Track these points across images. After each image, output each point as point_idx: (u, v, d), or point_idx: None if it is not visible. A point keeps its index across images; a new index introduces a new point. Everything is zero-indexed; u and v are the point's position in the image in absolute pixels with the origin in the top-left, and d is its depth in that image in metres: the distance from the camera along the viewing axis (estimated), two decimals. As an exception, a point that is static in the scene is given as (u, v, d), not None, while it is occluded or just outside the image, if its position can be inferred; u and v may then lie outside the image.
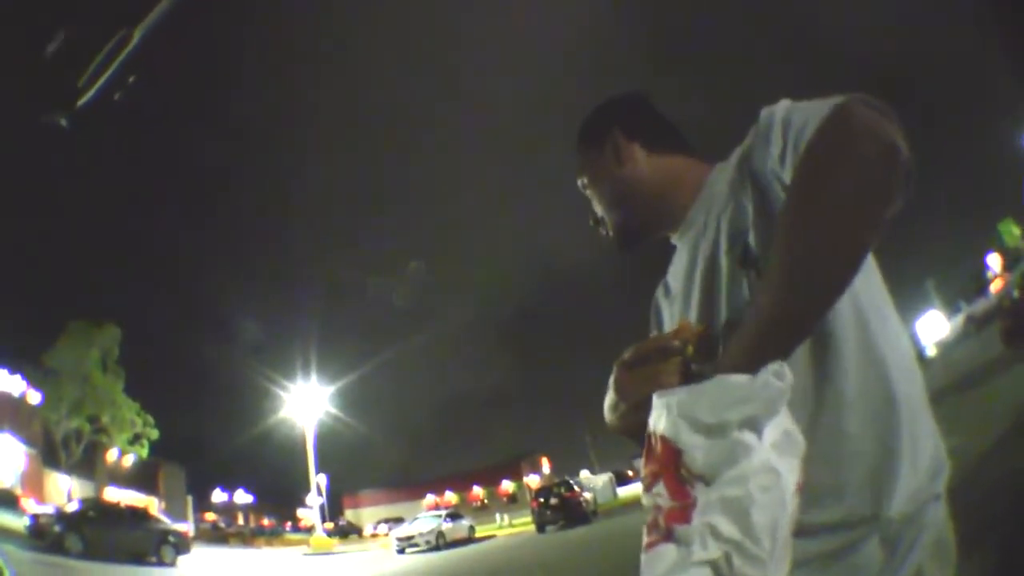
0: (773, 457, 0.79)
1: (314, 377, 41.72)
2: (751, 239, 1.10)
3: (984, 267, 29.73)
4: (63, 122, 1.55)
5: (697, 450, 0.79)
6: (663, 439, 0.81)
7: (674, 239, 1.39)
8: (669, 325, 1.36)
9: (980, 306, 25.12)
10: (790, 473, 0.80)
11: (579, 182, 1.49)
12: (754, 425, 0.79)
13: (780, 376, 0.82)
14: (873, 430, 1.01)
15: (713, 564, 0.75)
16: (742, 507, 0.76)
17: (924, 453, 1.02)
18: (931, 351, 25.59)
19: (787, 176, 1.05)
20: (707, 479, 0.78)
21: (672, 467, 0.80)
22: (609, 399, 1.08)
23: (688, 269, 1.27)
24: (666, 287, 1.43)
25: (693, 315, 1.21)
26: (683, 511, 0.78)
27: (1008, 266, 27.97)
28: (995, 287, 26.16)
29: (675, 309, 1.32)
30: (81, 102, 1.51)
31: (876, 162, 0.90)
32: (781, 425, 0.82)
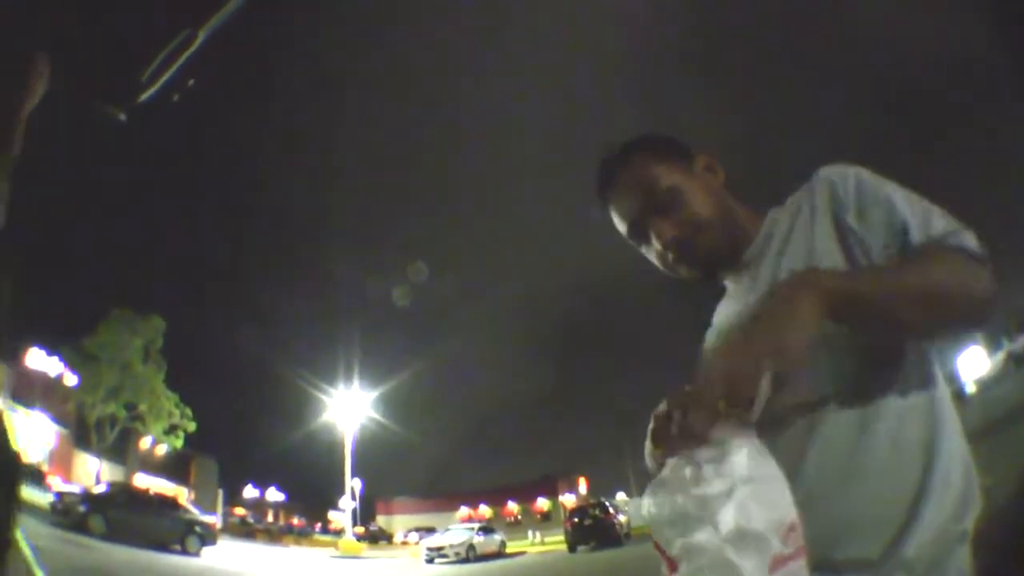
0: (730, 551, 0.82)
1: (356, 383, 42.16)
2: None
3: None
4: (122, 116, 1.56)
5: (667, 544, 0.88)
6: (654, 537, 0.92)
7: (726, 280, 1.42)
8: None
9: (1021, 343, 24.74)
10: (750, 559, 0.82)
11: (647, 191, 1.35)
12: (711, 519, 0.84)
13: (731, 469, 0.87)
14: (907, 473, 1.06)
15: None
16: None
17: (953, 492, 1.05)
18: (970, 388, 24.98)
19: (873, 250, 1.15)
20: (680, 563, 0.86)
21: (661, 553, 0.90)
22: (647, 447, 1.10)
23: (743, 312, 1.28)
24: (715, 331, 1.43)
25: None
26: None
27: (1054, 303, 27.08)
28: None
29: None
30: (141, 98, 1.54)
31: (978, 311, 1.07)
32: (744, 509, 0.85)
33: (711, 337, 1.43)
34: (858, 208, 1.17)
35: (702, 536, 0.84)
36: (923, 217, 1.12)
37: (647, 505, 0.91)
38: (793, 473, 0.98)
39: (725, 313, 1.40)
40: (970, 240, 1.08)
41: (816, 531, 0.96)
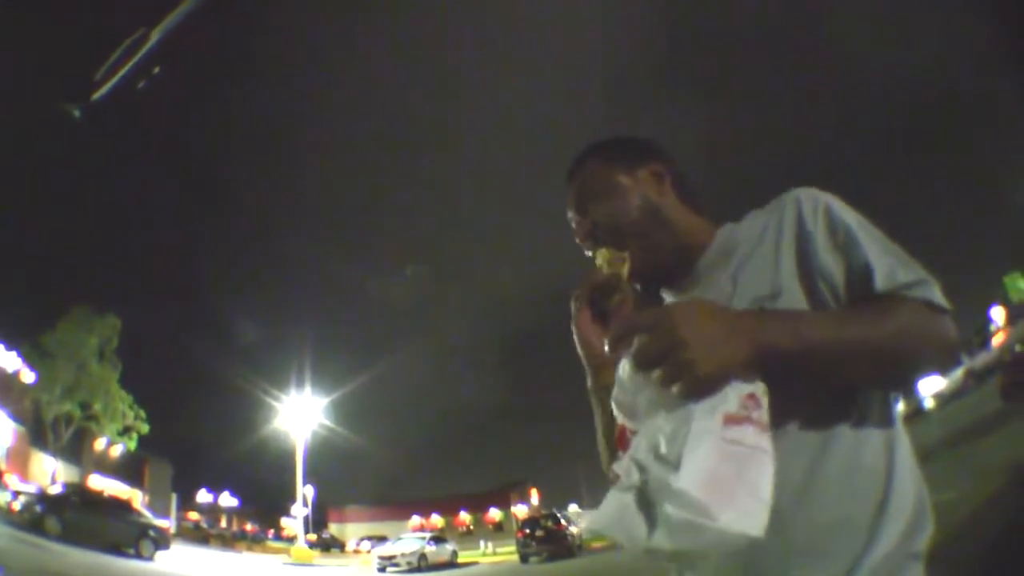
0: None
1: (308, 388, 41.63)
2: (772, 306, 1.14)
3: (988, 320, 29.21)
4: (76, 113, 1.59)
5: (628, 415, 1.03)
6: (619, 422, 1.07)
7: (670, 294, 1.40)
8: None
9: (981, 359, 24.67)
10: (704, 405, 0.90)
11: (580, 195, 1.41)
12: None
13: None
14: (862, 500, 1.06)
15: (636, 489, 0.91)
16: (653, 433, 0.93)
17: (906, 515, 1.06)
18: (929, 403, 25.11)
19: (837, 285, 1.14)
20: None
21: (622, 437, 1.06)
22: (589, 379, 1.31)
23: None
24: None
25: None
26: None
27: (1012, 320, 27.77)
28: (997, 340, 25.80)
29: None
30: (95, 96, 1.57)
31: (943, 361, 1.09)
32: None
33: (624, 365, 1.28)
34: (825, 243, 1.15)
35: (661, 401, 0.94)
36: (889, 264, 1.10)
37: (623, 367, 1.00)
38: None
39: None
40: (934, 291, 1.08)
41: (769, 556, 1.02)
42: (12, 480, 24.77)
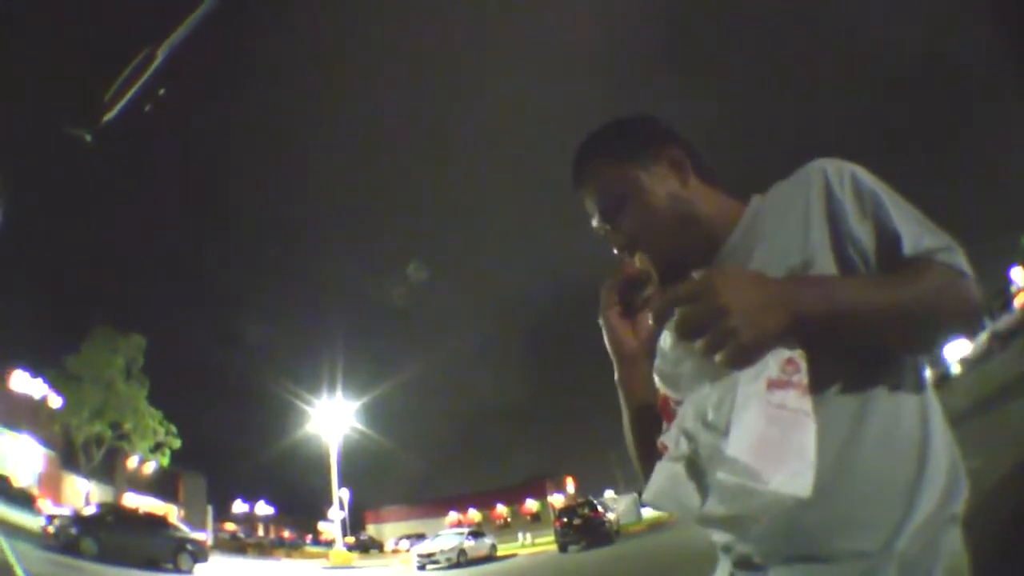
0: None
1: (339, 393, 41.88)
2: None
3: (1008, 281, 28.22)
4: (87, 137, 1.60)
5: (671, 385, 1.10)
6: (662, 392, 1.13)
7: (696, 273, 1.34)
8: (679, 363, 1.28)
9: (1004, 322, 24.33)
10: (748, 372, 0.94)
11: (602, 201, 1.34)
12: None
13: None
14: (900, 469, 1.06)
15: (686, 459, 0.95)
16: (699, 402, 0.97)
17: (942, 481, 1.06)
18: (955, 369, 24.81)
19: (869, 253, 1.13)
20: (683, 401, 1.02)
21: (665, 407, 1.09)
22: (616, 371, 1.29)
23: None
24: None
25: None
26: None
27: (1033, 279, 27.30)
28: (1019, 301, 25.29)
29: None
30: (106, 119, 1.57)
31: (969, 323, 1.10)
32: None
33: (666, 336, 1.35)
34: (854, 212, 1.14)
35: (704, 370, 0.98)
36: (915, 230, 1.11)
37: (664, 337, 1.11)
38: None
39: None
40: (959, 257, 1.09)
41: (812, 524, 1.04)
42: (46, 504, 25.11)
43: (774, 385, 0.92)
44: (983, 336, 25.08)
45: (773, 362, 0.93)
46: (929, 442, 1.08)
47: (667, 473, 0.95)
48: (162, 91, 1.60)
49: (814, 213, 1.17)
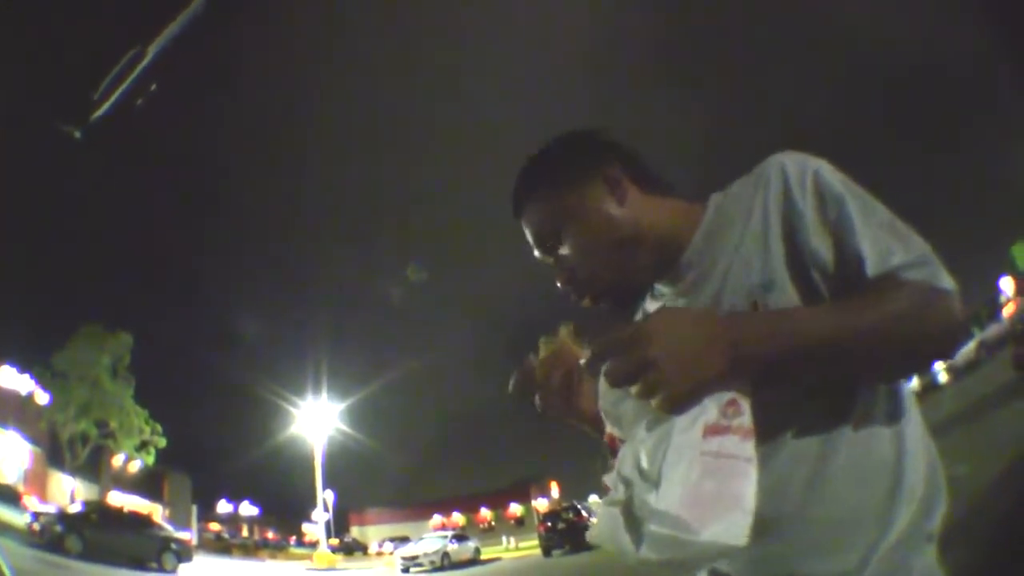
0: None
1: (324, 394, 41.81)
2: (766, 299, 1.08)
3: (997, 291, 28.92)
4: (76, 134, 1.60)
5: (614, 423, 1.05)
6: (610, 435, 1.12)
7: (664, 287, 1.27)
8: None
9: (992, 331, 24.57)
10: (684, 417, 0.89)
11: (537, 234, 1.28)
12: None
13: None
14: (871, 493, 1.03)
15: (622, 504, 0.92)
16: (637, 446, 0.94)
17: (917, 500, 1.03)
18: (943, 377, 24.97)
19: (827, 262, 1.06)
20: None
21: (611, 442, 1.10)
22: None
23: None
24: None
25: None
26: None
27: (1021, 290, 27.60)
28: (1008, 312, 25.70)
29: None
30: (95, 116, 1.57)
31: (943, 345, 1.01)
32: None
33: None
34: (814, 223, 1.07)
35: (644, 411, 0.94)
36: (883, 242, 1.02)
37: (600, 402, 1.05)
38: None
39: None
40: (934, 270, 1.00)
41: (784, 549, 1.02)
42: (31, 501, 24.96)
43: (711, 431, 0.88)
44: (971, 345, 25.10)
45: (712, 405, 0.89)
46: (903, 464, 1.04)
47: (607, 516, 0.93)
48: (153, 87, 1.60)
49: (773, 223, 1.10)
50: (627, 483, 0.92)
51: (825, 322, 0.97)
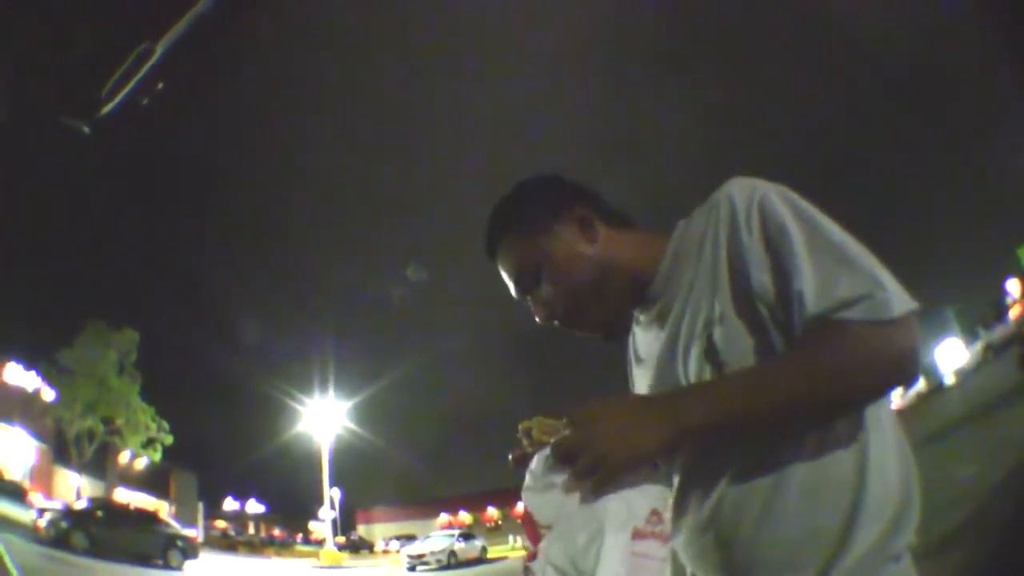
0: (599, 514, 1.01)
1: (331, 392, 41.83)
2: (716, 334, 1.12)
3: (1003, 293, 28.90)
4: (85, 130, 1.61)
5: (535, 507, 1.08)
6: (525, 508, 1.10)
7: (639, 314, 1.35)
8: (638, 388, 1.37)
9: (998, 333, 24.87)
10: (615, 503, 1.01)
11: (516, 274, 1.32)
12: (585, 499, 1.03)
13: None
14: (826, 515, 1.04)
15: None
16: (568, 540, 1.01)
17: (884, 518, 1.03)
18: (950, 379, 25.32)
19: (769, 295, 1.09)
20: (550, 527, 1.05)
21: (529, 524, 1.08)
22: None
23: (659, 346, 1.26)
24: (636, 353, 1.40)
25: (651, 386, 1.27)
26: (535, 554, 1.05)
27: (1027, 292, 27.65)
28: (1014, 313, 25.85)
29: (643, 376, 1.33)
30: (103, 112, 1.58)
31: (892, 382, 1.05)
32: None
33: (631, 353, 1.42)
34: (758, 258, 1.09)
35: (573, 505, 1.03)
36: (825, 276, 1.03)
37: (537, 460, 1.09)
38: (710, 514, 1.12)
39: (644, 339, 1.35)
40: (879, 303, 0.99)
41: (742, 565, 1.09)
42: (37, 498, 24.95)
43: (638, 535, 1.00)
44: (978, 346, 25.74)
45: (640, 512, 1.01)
46: (865, 482, 1.04)
47: None
48: (160, 85, 1.61)
49: (721, 257, 1.14)
50: (561, 572, 1.01)
51: (764, 387, 1.02)
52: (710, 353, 1.13)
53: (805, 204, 1.11)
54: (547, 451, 1.06)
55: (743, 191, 1.14)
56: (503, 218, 1.34)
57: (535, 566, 1.04)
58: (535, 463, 1.09)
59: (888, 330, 0.99)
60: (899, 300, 1.00)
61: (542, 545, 1.04)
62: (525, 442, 1.19)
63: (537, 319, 1.32)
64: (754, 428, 1.04)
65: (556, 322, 1.31)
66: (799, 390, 1.00)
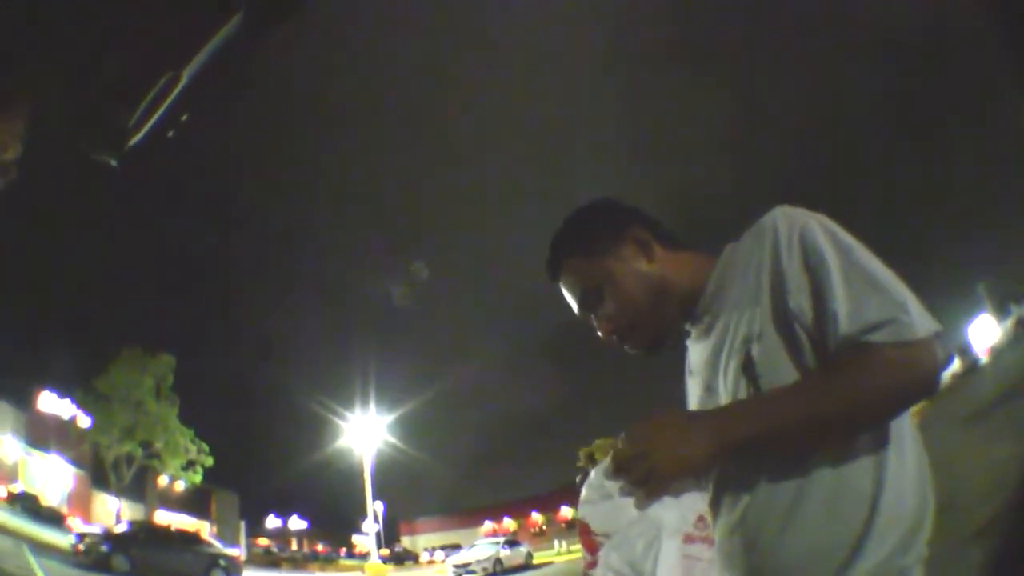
0: (654, 509, 1.11)
1: (372, 406, 42.13)
2: (754, 350, 1.20)
3: None
4: (112, 162, 1.58)
5: (593, 518, 1.16)
6: (579, 519, 1.18)
7: (687, 326, 1.41)
8: (692, 399, 1.42)
9: None
10: (669, 511, 1.11)
11: (581, 294, 1.41)
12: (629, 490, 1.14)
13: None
14: (845, 523, 1.10)
15: None
16: (627, 546, 1.10)
17: (899, 529, 1.09)
18: (983, 357, 25.03)
19: (806, 317, 1.16)
20: (608, 535, 1.13)
21: (586, 534, 1.17)
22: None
23: (704, 357, 1.33)
24: (689, 365, 1.46)
25: (702, 401, 1.33)
26: (594, 562, 1.13)
27: (1060, 267, 27.39)
28: None
29: (695, 386, 1.39)
30: (130, 142, 1.56)
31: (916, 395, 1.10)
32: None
33: (689, 380, 1.46)
34: (797, 282, 1.17)
35: (630, 515, 1.12)
36: (857, 301, 1.10)
37: (595, 473, 1.18)
38: (738, 518, 1.19)
39: (695, 352, 1.42)
40: (904, 326, 1.07)
41: (765, 570, 1.16)
42: (75, 523, 25.31)
43: (689, 539, 1.09)
44: (1009, 323, 25.86)
45: (690, 518, 1.11)
46: (881, 494, 1.09)
47: None
48: (185, 116, 1.59)
49: (764, 280, 1.21)
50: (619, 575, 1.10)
51: (797, 406, 1.11)
52: (747, 367, 1.20)
53: (843, 234, 1.18)
54: (605, 462, 1.15)
55: (787, 219, 1.22)
56: (567, 241, 1.43)
57: (596, 573, 1.12)
58: (593, 475, 1.17)
59: (912, 350, 1.07)
60: (921, 323, 1.08)
61: (601, 553, 1.13)
62: (589, 465, 0.87)
63: (600, 335, 1.41)
64: (789, 443, 1.12)
65: (615, 337, 1.39)
66: (830, 408, 1.08)
